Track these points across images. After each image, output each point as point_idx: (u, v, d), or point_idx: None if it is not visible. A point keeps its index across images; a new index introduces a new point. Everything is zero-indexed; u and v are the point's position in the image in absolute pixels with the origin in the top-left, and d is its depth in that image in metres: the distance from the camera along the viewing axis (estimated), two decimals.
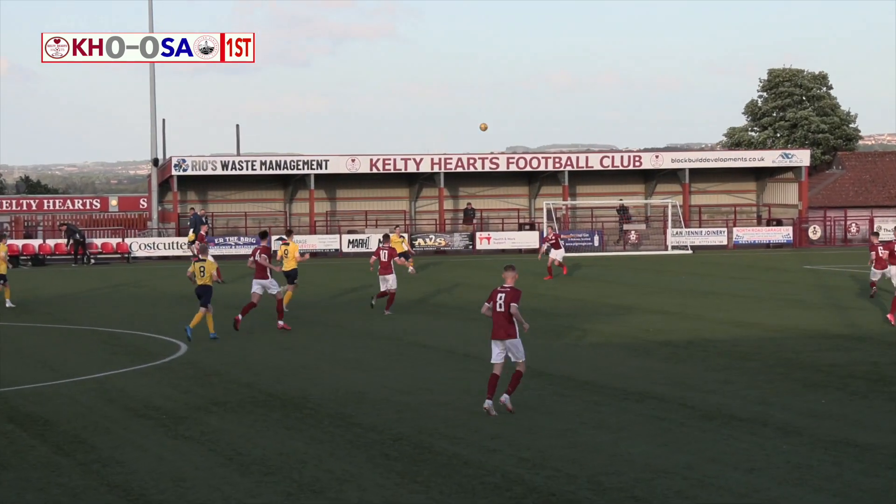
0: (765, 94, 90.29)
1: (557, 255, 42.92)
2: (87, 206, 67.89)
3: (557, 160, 65.24)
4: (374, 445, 14.86)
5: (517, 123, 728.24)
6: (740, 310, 30.74)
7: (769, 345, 23.83)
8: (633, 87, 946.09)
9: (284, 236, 31.51)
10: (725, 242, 62.59)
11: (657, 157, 66.79)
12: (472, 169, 64.09)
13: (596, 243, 61.45)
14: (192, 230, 56.68)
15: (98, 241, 58.38)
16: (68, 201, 71.50)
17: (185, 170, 61.21)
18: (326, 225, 64.41)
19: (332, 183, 65.48)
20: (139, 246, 58.32)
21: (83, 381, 20.25)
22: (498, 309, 17.08)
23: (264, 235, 29.65)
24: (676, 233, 61.74)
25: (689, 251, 59.61)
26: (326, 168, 62.67)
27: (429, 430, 15.71)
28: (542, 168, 65.14)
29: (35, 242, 58.43)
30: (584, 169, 64.99)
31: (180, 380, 20.22)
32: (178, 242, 58.40)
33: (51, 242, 58.36)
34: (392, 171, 63.62)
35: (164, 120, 74.35)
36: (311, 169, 62.47)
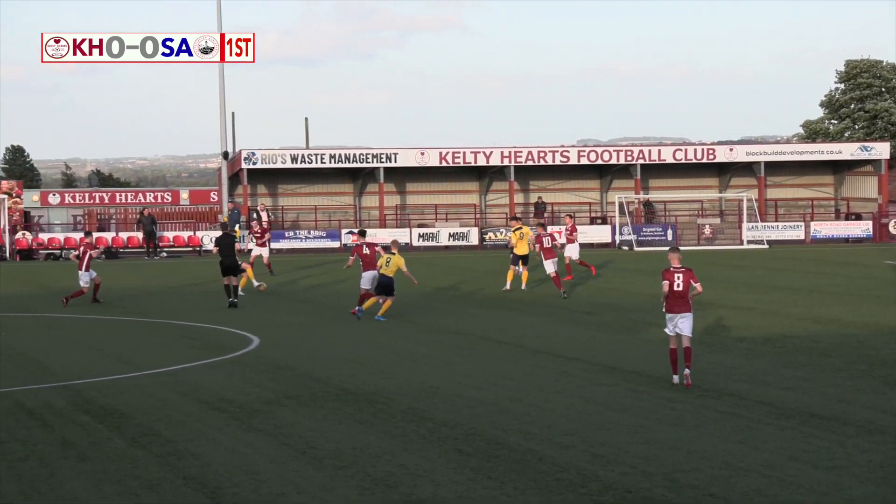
0: (842, 85, 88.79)
1: (572, 251, 38.65)
2: (159, 200, 68.59)
3: (629, 153, 64.72)
4: (448, 440, 14.75)
5: (588, 116, 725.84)
6: (819, 305, 30.23)
7: (849, 341, 23.36)
8: (706, 78, 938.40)
9: (514, 222, 36.35)
10: (803, 237, 61.70)
11: (731, 150, 65.98)
12: (542, 162, 63.79)
13: (669, 237, 60.87)
14: (236, 226, 57.02)
15: (170, 235, 58.92)
16: (140, 195, 72.28)
17: (254, 163, 61.61)
18: (396, 218, 64.48)
19: (402, 176, 65.52)
20: (210, 239, 58.76)
21: (157, 373, 20.39)
22: (676, 288, 18.65)
23: (363, 234, 30.83)
24: (752, 227, 61.00)
25: (765, 246, 58.83)
26: (396, 161, 62.71)
27: (502, 426, 15.57)
28: (613, 161, 64.66)
29: (108, 235, 59.20)
30: (657, 162, 64.45)
31: (253, 373, 20.27)
32: (248, 236, 58.76)
33: (124, 235, 59.10)
34: (462, 164, 63.50)
35: (233, 113, 75.10)
36: (381, 162, 62.55)
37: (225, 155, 62.67)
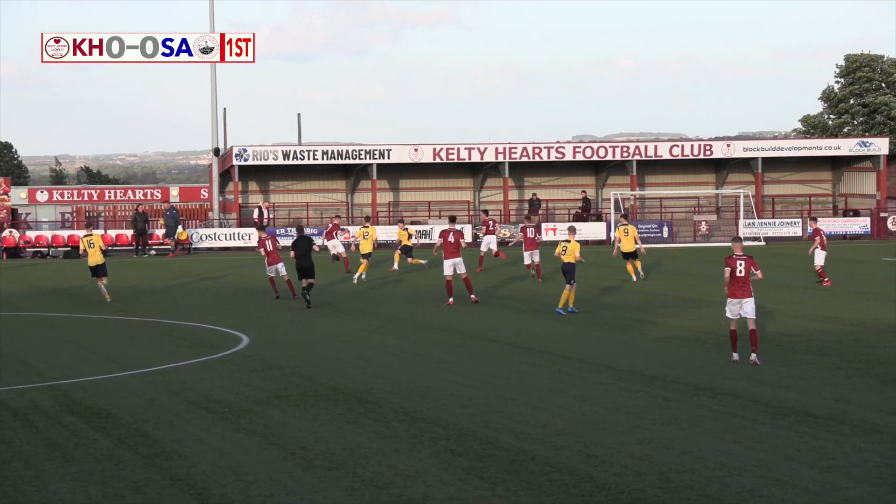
0: (841, 80, 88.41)
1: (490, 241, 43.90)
2: (149, 197, 68.03)
3: (625, 149, 64.52)
4: (439, 440, 14.55)
5: (584, 112, 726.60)
6: (816, 303, 30.05)
7: (846, 339, 23.17)
8: (703, 73, 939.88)
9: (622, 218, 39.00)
10: (800, 233, 61.45)
11: (728, 145, 65.74)
12: (537, 158, 63.57)
13: (665, 234, 60.70)
14: (178, 228, 56.53)
15: (159, 232, 58.51)
16: (129, 191, 71.79)
17: (245, 160, 61.34)
18: (389, 215, 64.23)
19: (395, 173, 65.25)
20: (200, 237, 58.45)
21: (145, 373, 20.17)
22: (738, 274, 20.21)
23: (453, 220, 32.61)
24: (749, 224, 60.76)
25: (762, 243, 58.64)
26: (389, 157, 62.44)
27: (494, 426, 15.37)
28: (609, 157, 64.45)
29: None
30: (653, 158, 64.21)
31: (242, 373, 20.05)
32: (239, 233, 58.57)
33: (112, 233, 58.74)
34: (456, 160, 63.26)
35: (224, 109, 74.61)
36: (374, 158, 62.30)
37: (216, 151, 62.40)
